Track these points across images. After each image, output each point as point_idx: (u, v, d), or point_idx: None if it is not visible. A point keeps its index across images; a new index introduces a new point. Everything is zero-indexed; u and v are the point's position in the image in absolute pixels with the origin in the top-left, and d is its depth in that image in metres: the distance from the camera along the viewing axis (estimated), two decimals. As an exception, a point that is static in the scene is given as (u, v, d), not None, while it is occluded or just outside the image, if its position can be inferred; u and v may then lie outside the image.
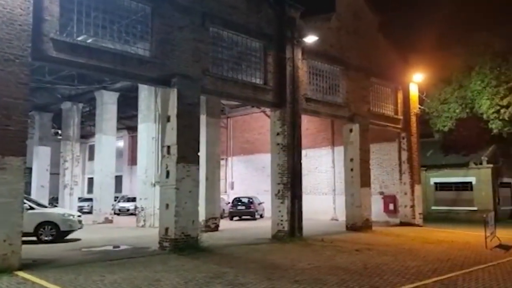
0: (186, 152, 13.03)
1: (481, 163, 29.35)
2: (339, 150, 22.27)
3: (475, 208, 27.83)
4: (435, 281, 9.18)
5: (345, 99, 19.46)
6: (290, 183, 16.03)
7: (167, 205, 12.92)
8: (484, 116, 27.55)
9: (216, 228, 19.43)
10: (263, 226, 18.98)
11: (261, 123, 27.93)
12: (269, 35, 16.43)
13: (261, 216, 26.59)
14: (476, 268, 10.70)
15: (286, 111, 16.34)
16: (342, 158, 20.46)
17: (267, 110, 19.78)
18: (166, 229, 12.91)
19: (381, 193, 23.78)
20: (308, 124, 24.33)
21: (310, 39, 17.13)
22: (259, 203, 26.58)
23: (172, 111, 13.13)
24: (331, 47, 18.99)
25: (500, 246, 14.33)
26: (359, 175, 19.31)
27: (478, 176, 29.31)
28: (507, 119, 26.19)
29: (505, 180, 31.46)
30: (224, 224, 21.84)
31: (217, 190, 20.27)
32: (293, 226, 15.82)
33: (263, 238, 15.98)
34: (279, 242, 15.19)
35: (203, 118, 17.48)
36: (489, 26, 29.33)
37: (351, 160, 19.57)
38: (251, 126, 30.18)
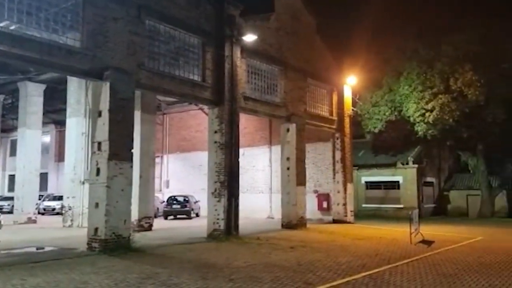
0: (119, 148, 12.49)
1: (407, 163, 31.19)
2: (277, 149, 22.56)
3: (401, 206, 29.53)
4: (364, 276, 9.51)
5: (283, 99, 19.70)
6: (227, 181, 15.94)
7: (97, 204, 12.31)
8: (411, 119, 29.19)
9: (149, 228, 18.86)
10: (199, 225, 18.72)
11: (198, 120, 27.53)
12: (208, 31, 16.21)
13: (197, 215, 26.24)
14: (402, 263, 11.23)
15: (224, 109, 16.22)
16: (279, 157, 20.72)
17: (205, 107, 19.54)
18: (96, 229, 12.30)
19: (316, 191, 24.42)
20: (246, 122, 24.37)
21: (249, 37, 17.14)
22: (195, 202, 26.20)
23: (104, 105, 12.52)
24: (270, 47, 19.15)
25: (423, 241, 15.18)
26: (295, 174, 19.66)
27: (404, 175, 31.11)
28: (431, 122, 27.91)
29: (428, 179, 33.66)
30: (158, 223, 21.28)
31: (151, 189, 19.70)
32: (229, 224, 15.74)
33: (199, 238, 15.74)
34: (215, 241, 15.05)
35: (137, 114, 16.88)
36: (416, 34, 31.20)
37: (288, 159, 19.86)
38: (188, 123, 29.68)
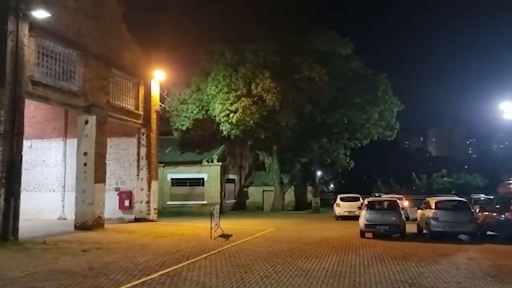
0: None
1: (212, 161, 32.43)
2: (73, 142, 20.31)
3: (205, 202, 30.46)
4: (161, 274, 9.25)
5: (81, 87, 17.83)
6: (5, 178, 13.52)
7: None
8: (217, 119, 30.50)
9: None
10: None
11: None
12: (-15, -1, 13.47)
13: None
14: (200, 258, 11.35)
15: (5, 93, 13.71)
16: (76, 152, 18.70)
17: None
18: None
19: (117, 189, 22.98)
20: (35, 111, 21.25)
21: (41, 14, 14.90)
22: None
23: None
24: (67, 28, 17.08)
25: (223, 235, 15.80)
26: (94, 170, 18.00)
27: (209, 172, 32.27)
28: (234, 122, 29.65)
29: (231, 176, 35.73)
30: None
31: None
32: (6, 228, 13.32)
33: (-38, 247, 12.90)
34: (-15, 249, 12.52)
35: None
36: (223, 39, 32.74)
37: (85, 154, 18.04)
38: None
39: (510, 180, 22.66)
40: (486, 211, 17.67)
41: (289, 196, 37.36)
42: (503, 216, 15.78)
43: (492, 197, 21.80)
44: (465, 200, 18.56)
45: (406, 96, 36.76)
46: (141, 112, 22.53)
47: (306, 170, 38.49)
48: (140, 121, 22.49)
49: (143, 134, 22.87)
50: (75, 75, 17.71)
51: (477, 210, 18.86)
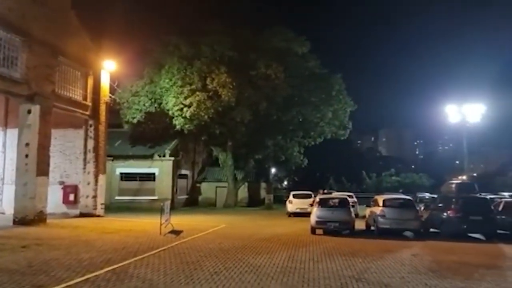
0: None
1: (164, 156, 31.76)
2: (13, 132, 19.11)
3: (156, 197, 29.77)
4: (107, 271, 8.91)
5: (24, 75, 16.74)
6: None
7: None
8: (170, 112, 29.86)
9: None
10: None
11: None
12: None
13: None
14: (149, 254, 11.02)
15: None
16: (17, 142, 17.61)
17: None
18: None
19: (61, 182, 21.90)
20: (-28, 99, 19.89)
21: (-20, -6, 13.90)
22: None
23: None
24: (10, 12, 15.98)
25: (173, 231, 15.45)
26: (36, 162, 17.00)
27: (161, 167, 31.58)
28: (188, 117, 29.15)
29: (183, 172, 35.19)
30: None
31: None
32: None
33: None
34: None
35: None
36: (179, 31, 32.11)
37: (27, 145, 17.00)
38: None
39: (452, 180, 23.77)
40: (430, 209, 18.47)
41: (243, 192, 37.33)
42: (445, 214, 16.54)
43: (435, 196, 22.84)
44: (410, 198, 19.28)
45: (359, 96, 37.75)
46: (89, 103, 21.56)
47: (260, 166, 38.60)
48: (88, 113, 21.52)
49: (91, 126, 21.90)
50: (18, 61, 16.61)
51: (422, 208, 19.70)
